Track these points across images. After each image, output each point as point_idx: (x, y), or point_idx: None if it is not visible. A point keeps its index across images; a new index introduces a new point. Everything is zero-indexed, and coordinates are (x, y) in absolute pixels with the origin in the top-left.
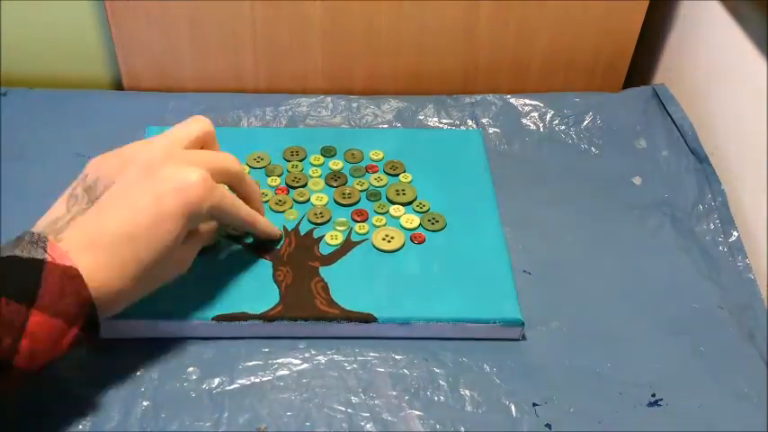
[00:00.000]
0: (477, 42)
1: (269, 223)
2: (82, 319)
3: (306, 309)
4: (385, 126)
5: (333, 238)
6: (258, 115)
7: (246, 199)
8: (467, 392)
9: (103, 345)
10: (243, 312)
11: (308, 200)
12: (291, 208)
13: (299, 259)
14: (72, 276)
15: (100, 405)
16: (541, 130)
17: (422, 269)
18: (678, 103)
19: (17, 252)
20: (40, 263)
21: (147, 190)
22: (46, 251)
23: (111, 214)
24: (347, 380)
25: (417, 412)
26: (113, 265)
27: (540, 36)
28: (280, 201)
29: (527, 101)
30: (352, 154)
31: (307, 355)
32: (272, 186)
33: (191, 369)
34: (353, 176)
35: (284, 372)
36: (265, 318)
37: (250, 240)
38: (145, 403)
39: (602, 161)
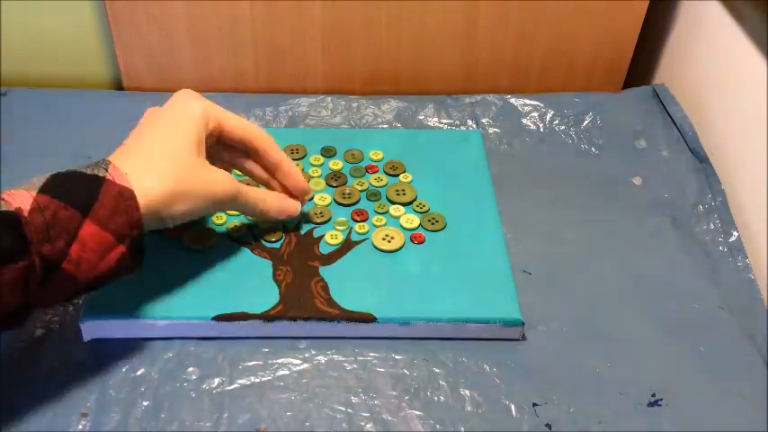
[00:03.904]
0: (477, 42)
1: (297, 172)
2: (130, 239)
3: (306, 308)
4: (385, 126)
5: (333, 237)
6: (258, 115)
7: (274, 164)
8: (467, 392)
9: (104, 345)
10: (243, 312)
11: (312, 198)
12: None
13: (299, 259)
14: (127, 197)
15: (100, 405)
16: (541, 130)
17: (422, 269)
18: (678, 103)
19: (82, 169)
20: (101, 179)
21: (165, 112)
22: (107, 171)
23: (140, 135)
24: (347, 380)
25: (417, 412)
26: (153, 174)
27: (540, 36)
28: None
29: (527, 101)
30: (352, 154)
31: (307, 355)
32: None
33: (191, 369)
34: (353, 176)
35: (284, 372)
36: (265, 317)
37: (250, 240)
38: (145, 403)
39: (602, 161)
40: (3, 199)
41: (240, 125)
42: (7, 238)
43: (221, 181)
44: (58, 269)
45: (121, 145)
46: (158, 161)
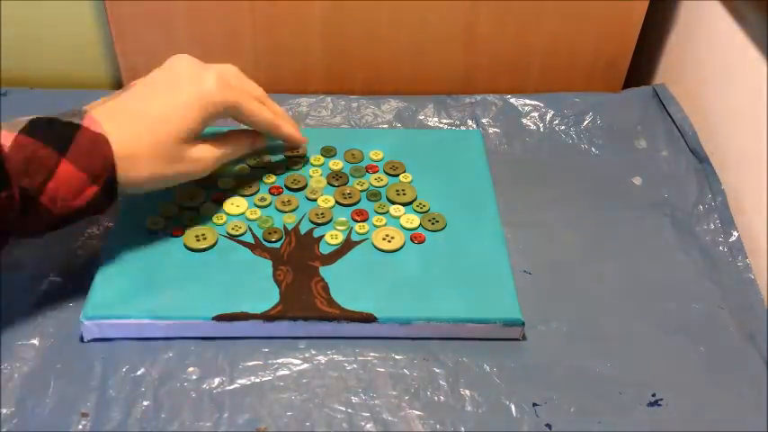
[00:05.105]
0: (477, 42)
1: (294, 129)
2: (103, 179)
3: (306, 308)
4: (385, 126)
5: (333, 237)
6: None
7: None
8: (467, 392)
9: (104, 345)
10: (243, 312)
11: (316, 200)
12: (298, 207)
13: (300, 259)
14: (101, 141)
15: (100, 405)
16: (541, 130)
17: (422, 269)
18: (678, 103)
19: (59, 116)
20: (77, 126)
21: (168, 81)
22: (82, 119)
23: (134, 97)
24: (347, 380)
25: (417, 412)
26: (133, 136)
27: (540, 36)
28: (286, 201)
29: (527, 101)
30: (353, 154)
31: (307, 355)
32: (266, 184)
33: (191, 369)
34: (354, 176)
35: (284, 372)
36: (265, 317)
37: (250, 240)
38: (145, 403)
39: (602, 161)
40: None
41: (260, 121)
42: None
43: (199, 159)
44: (35, 202)
45: (113, 96)
46: (143, 133)
